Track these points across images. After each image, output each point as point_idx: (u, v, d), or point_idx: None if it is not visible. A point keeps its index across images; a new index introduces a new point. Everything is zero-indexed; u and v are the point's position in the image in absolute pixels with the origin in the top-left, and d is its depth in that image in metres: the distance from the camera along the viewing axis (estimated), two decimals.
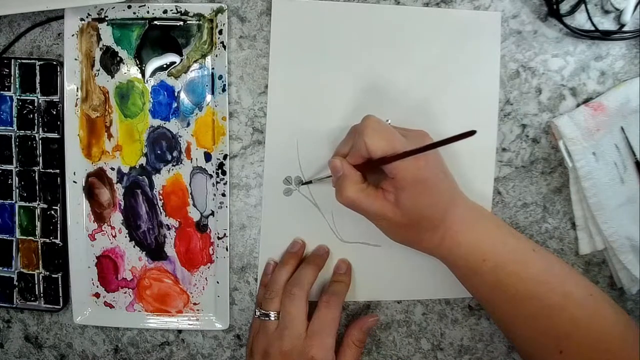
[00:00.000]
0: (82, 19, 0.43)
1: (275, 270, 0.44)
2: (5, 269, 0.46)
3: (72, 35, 0.43)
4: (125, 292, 0.46)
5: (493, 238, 0.39)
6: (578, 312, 0.37)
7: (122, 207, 0.45)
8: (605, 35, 0.44)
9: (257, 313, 0.43)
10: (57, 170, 0.45)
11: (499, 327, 0.42)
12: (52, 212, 0.45)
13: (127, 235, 0.46)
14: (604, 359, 0.36)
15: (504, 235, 0.40)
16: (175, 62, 0.44)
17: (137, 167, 0.45)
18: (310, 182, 0.44)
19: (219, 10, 0.43)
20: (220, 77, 0.44)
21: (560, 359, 0.36)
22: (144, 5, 0.43)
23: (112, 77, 0.44)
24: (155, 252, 0.46)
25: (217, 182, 0.45)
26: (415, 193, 0.36)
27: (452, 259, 0.40)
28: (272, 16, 0.43)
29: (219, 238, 0.45)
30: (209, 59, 0.44)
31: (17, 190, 0.45)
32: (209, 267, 0.46)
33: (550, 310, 0.37)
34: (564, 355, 0.36)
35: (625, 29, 0.44)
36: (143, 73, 0.44)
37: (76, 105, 0.44)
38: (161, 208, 0.45)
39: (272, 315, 0.42)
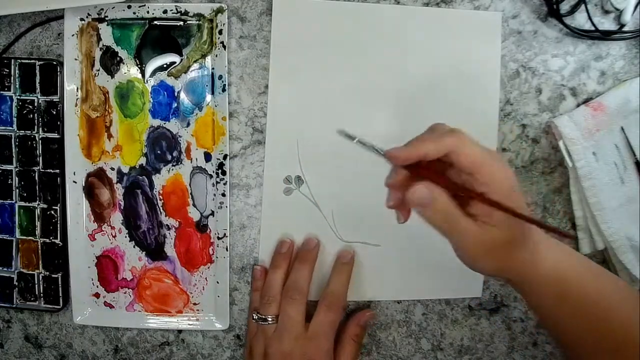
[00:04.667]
0: (82, 19, 0.43)
1: (269, 274, 0.44)
2: (5, 269, 0.46)
3: (72, 35, 0.43)
4: (125, 292, 0.46)
5: (564, 251, 0.35)
6: (631, 317, 0.35)
7: (122, 207, 0.45)
8: (605, 35, 0.44)
9: (255, 317, 0.43)
10: (57, 170, 0.45)
11: (555, 340, 0.39)
12: (52, 212, 0.45)
13: (127, 235, 0.46)
14: None
15: (570, 251, 0.36)
16: (175, 62, 0.44)
17: (137, 167, 0.45)
18: (354, 138, 0.35)
19: (219, 10, 0.43)
20: (220, 77, 0.44)
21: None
22: (144, 5, 0.43)
23: (112, 77, 0.44)
24: (155, 252, 0.46)
25: (217, 182, 0.45)
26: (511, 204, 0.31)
27: (534, 277, 0.35)
28: (272, 14, 0.43)
29: (219, 238, 0.45)
30: (209, 59, 0.44)
31: (17, 190, 0.45)
32: (209, 267, 0.46)
33: (620, 323, 0.35)
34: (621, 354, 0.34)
35: (625, 29, 0.44)
36: (143, 73, 0.44)
37: (76, 105, 0.44)
38: (161, 208, 0.45)
39: (270, 319, 0.42)
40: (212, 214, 0.45)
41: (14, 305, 0.47)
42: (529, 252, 0.34)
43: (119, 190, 0.45)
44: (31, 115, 0.44)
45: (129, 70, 0.44)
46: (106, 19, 0.43)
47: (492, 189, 0.30)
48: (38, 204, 0.45)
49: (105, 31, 0.43)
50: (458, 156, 0.30)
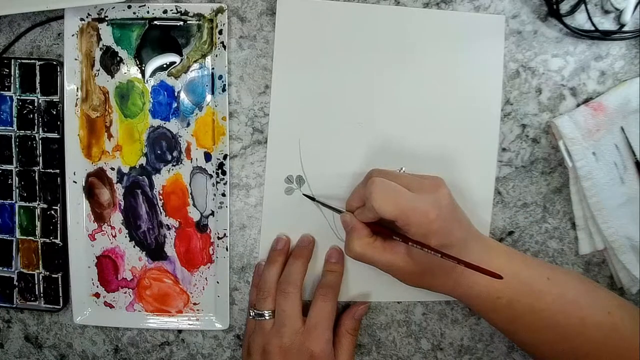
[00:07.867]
0: (82, 19, 0.43)
1: (264, 270, 0.44)
2: (5, 269, 0.46)
3: (72, 35, 0.43)
4: (125, 292, 0.46)
5: (506, 274, 0.37)
6: (595, 334, 0.37)
7: (122, 207, 0.45)
8: (605, 35, 0.44)
9: (252, 314, 0.43)
10: (57, 170, 0.45)
11: (521, 349, 0.43)
12: (52, 212, 0.45)
13: (127, 235, 0.46)
14: None
15: (516, 269, 0.39)
16: (175, 62, 0.44)
17: (137, 167, 0.45)
18: (313, 198, 0.45)
19: (219, 10, 0.43)
20: (220, 77, 0.44)
21: None
22: (144, 5, 0.43)
23: (112, 77, 0.44)
24: (155, 252, 0.46)
25: (217, 182, 0.45)
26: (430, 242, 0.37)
27: (467, 299, 0.40)
28: (276, 14, 0.43)
29: (219, 238, 0.45)
30: (209, 59, 0.44)
31: (17, 190, 0.45)
32: (209, 267, 0.46)
33: (568, 335, 0.37)
34: None
35: (625, 29, 0.44)
36: (143, 73, 0.44)
37: (76, 105, 0.44)
38: (161, 208, 0.45)
39: (267, 314, 0.42)
40: (212, 214, 0.45)
41: (14, 305, 0.47)
42: (453, 280, 0.39)
43: (119, 190, 0.45)
44: (31, 115, 0.44)
45: (129, 70, 0.44)
46: (106, 19, 0.43)
47: (411, 232, 0.37)
48: (38, 204, 0.45)
49: (105, 31, 0.43)
50: (383, 214, 0.37)
